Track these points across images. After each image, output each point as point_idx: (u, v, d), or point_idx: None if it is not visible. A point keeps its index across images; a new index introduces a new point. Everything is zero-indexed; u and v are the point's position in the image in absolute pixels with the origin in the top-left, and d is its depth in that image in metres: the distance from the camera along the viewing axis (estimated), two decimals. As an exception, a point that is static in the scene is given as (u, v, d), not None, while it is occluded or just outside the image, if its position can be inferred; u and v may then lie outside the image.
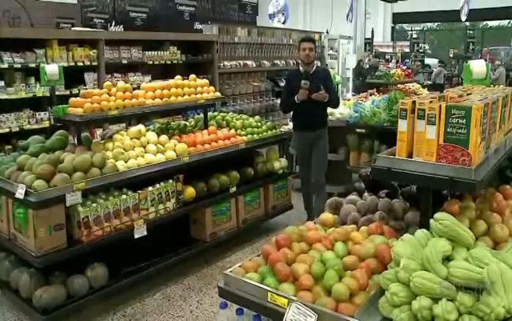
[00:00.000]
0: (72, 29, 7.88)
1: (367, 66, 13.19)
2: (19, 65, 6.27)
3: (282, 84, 11.21)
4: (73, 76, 6.55)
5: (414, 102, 2.42)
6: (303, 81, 5.10)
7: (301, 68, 5.44)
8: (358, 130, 6.36)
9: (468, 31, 20.31)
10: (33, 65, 6.32)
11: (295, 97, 5.20)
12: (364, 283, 2.12)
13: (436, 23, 25.40)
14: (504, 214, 2.60)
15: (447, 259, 1.97)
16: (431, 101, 2.41)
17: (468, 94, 2.97)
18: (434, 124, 2.27)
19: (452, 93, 2.97)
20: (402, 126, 2.42)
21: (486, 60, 8.53)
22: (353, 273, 2.16)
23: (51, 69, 4.80)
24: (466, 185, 2.17)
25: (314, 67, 5.44)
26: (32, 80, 6.44)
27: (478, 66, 4.13)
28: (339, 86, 14.17)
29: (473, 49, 18.92)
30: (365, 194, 2.99)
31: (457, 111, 2.21)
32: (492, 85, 3.97)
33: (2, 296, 4.02)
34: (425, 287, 1.83)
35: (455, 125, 2.21)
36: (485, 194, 2.85)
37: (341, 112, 6.72)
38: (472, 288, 1.84)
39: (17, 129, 6.25)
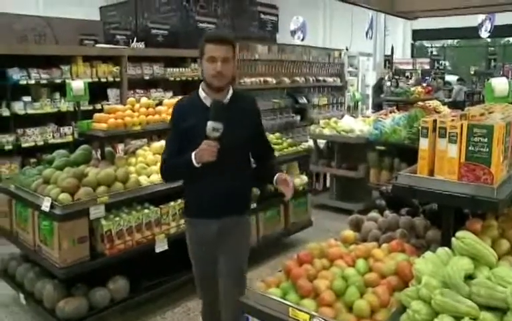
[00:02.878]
0: (96, 45, 8.04)
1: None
2: (45, 81, 6.44)
3: (302, 101, 11.33)
4: (97, 91, 6.69)
5: (435, 121, 2.43)
6: (210, 124, 2.55)
7: (202, 95, 2.78)
8: (378, 147, 6.36)
9: (489, 48, 20.18)
10: (59, 81, 6.49)
11: (192, 156, 2.61)
12: (385, 300, 2.13)
13: (456, 40, 25.28)
14: (525, 232, 2.59)
15: (469, 278, 1.98)
16: (452, 120, 2.42)
17: (490, 113, 2.97)
18: (456, 143, 2.28)
19: (474, 112, 2.98)
20: (424, 144, 2.43)
21: (508, 77, 8.46)
22: (375, 289, 2.17)
23: (77, 85, 4.91)
24: (488, 204, 2.17)
25: (229, 94, 2.80)
26: (57, 95, 6.61)
27: (500, 84, 4.13)
28: (359, 103, 14.20)
29: (495, 66, 18.77)
30: (386, 211, 3.00)
31: (479, 130, 2.22)
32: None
33: (26, 306, 4.10)
34: (447, 305, 1.83)
35: (477, 144, 2.22)
36: (508, 213, 2.83)
37: (361, 129, 6.73)
38: (495, 307, 1.84)
39: (42, 143, 6.41)
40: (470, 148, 2.24)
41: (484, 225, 2.64)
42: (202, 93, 2.77)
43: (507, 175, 2.39)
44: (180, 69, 8.26)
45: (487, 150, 2.20)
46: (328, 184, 7.71)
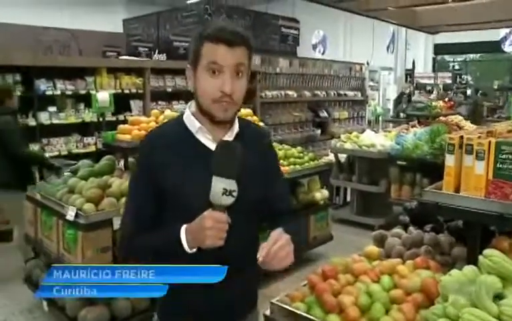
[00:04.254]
0: (120, 57, 8.17)
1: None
2: (70, 92, 6.56)
3: (323, 114, 11.33)
4: (120, 103, 6.79)
5: (461, 137, 2.42)
6: (219, 184, 1.51)
7: (194, 128, 1.69)
8: (399, 163, 6.31)
9: (513, 62, 19.98)
10: (83, 91, 6.61)
11: (182, 236, 1.56)
12: (411, 317, 2.11)
13: (478, 54, 25.05)
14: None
15: (497, 297, 1.95)
16: (479, 137, 2.41)
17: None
18: (483, 160, 2.27)
19: (501, 129, 2.96)
20: (450, 160, 2.42)
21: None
22: (401, 307, 2.15)
23: (103, 96, 5.00)
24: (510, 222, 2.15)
25: (235, 128, 1.73)
26: (81, 106, 6.72)
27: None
28: (380, 118, 14.13)
29: (519, 81, 18.56)
30: (410, 228, 2.98)
31: (507, 147, 2.21)
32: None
33: (49, 313, 4.14)
34: (474, 324, 1.81)
35: (505, 161, 2.21)
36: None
37: (382, 143, 6.70)
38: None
39: (66, 152, 6.52)
40: (498, 165, 2.23)
41: (511, 243, 2.61)
42: (193, 125, 1.67)
43: (535, 193, 2.36)
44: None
45: (516, 167, 2.18)
46: (349, 198, 7.66)
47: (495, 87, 17.72)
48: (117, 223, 3.76)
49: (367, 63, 14.68)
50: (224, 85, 1.58)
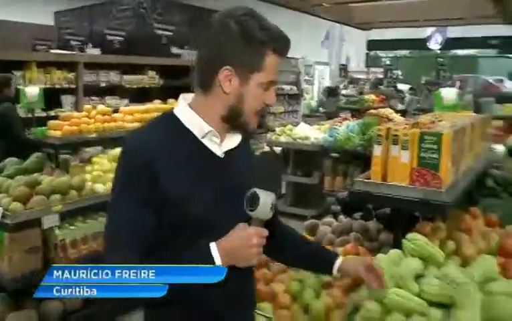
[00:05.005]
0: (51, 51, 7.87)
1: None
2: (-4, 87, 6.25)
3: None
4: (50, 98, 6.55)
5: (389, 129, 2.53)
6: (265, 197, 1.38)
7: (201, 131, 1.48)
8: (333, 155, 6.48)
9: (438, 59, 20.88)
10: (10, 87, 6.31)
11: (216, 255, 1.38)
12: (340, 300, 2.19)
13: (408, 51, 26.03)
14: (472, 233, 2.71)
15: (420, 277, 2.06)
16: (404, 128, 2.53)
17: (439, 121, 3.10)
18: (408, 149, 2.37)
19: (425, 120, 3.11)
20: (377, 151, 2.52)
21: (457, 87, 8.81)
22: (330, 291, 2.23)
23: (32, 91, 4.82)
24: (437, 207, 2.27)
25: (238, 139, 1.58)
26: (9, 102, 6.42)
27: (448, 94, 4.30)
28: (315, 111, 14.41)
29: (444, 76, 19.44)
30: (341, 216, 3.08)
31: (429, 137, 2.33)
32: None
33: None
34: (399, 304, 1.90)
35: (427, 150, 2.32)
36: (455, 216, 2.96)
37: (316, 136, 6.85)
38: (443, 304, 1.92)
39: (-7, 150, 6.20)
40: (421, 154, 2.34)
41: (433, 227, 2.75)
42: (199, 128, 1.48)
43: (455, 180, 2.50)
44: (137, 76, 8.19)
45: (437, 156, 2.30)
46: (284, 190, 7.79)
47: (423, 82, 18.49)
48: (47, 222, 3.64)
49: (303, 58, 14.93)
50: (272, 98, 1.50)
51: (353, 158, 6.12)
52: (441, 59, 21.32)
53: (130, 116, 4.94)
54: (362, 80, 17.90)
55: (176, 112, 1.51)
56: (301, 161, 7.10)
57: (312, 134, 7.05)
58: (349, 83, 15.80)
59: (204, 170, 1.46)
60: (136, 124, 4.88)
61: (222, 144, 1.50)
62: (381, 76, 20.52)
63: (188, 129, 1.47)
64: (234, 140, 1.54)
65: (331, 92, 13.18)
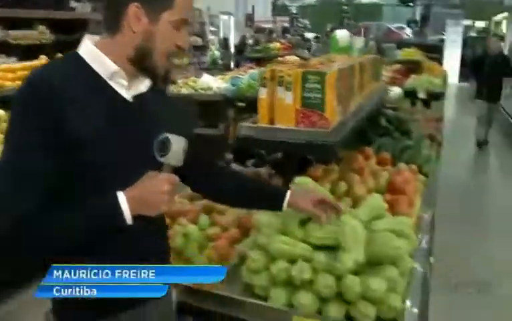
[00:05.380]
0: None
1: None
2: None
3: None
4: None
5: (273, 70, 2.42)
6: (176, 141, 1.38)
7: (106, 72, 1.38)
8: (239, 104, 6.37)
9: (343, 7, 21.28)
10: None
11: (123, 204, 1.33)
12: (225, 252, 2.09)
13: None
14: (363, 174, 2.71)
15: (306, 222, 2.00)
16: (290, 69, 2.43)
17: (331, 62, 3.05)
18: (291, 90, 2.28)
19: (316, 61, 3.04)
20: (263, 93, 2.41)
21: (362, 35, 9.00)
22: (215, 244, 2.13)
23: None
24: (323, 148, 2.21)
25: (147, 84, 1.51)
26: None
27: (342, 36, 4.28)
28: (220, 62, 14.17)
29: (348, 24, 19.86)
30: (232, 164, 2.97)
31: (313, 77, 2.24)
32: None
33: None
34: (282, 251, 1.83)
35: (311, 90, 2.24)
36: (347, 157, 2.95)
37: (218, 86, 6.70)
38: (330, 247, 1.88)
39: None
40: (305, 94, 2.26)
41: (325, 170, 2.72)
42: (105, 68, 1.38)
43: (342, 119, 2.46)
44: (26, 31, 7.52)
45: (321, 96, 2.23)
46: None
47: (328, 29, 18.78)
48: None
49: (208, 9, 14.56)
50: (184, 41, 1.44)
51: (254, 106, 6.01)
52: (345, 7, 21.76)
53: (12, 74, 4.52)
54: (268, 29, 17.83)
55: (81, 51, 1.41)
56: (205, 113, 6.94)
57: (215, 84, 6.89)
58: (255, 33, 15.67)
59: (112, 114, 1.37)
60: (19, 83, 4.46)
61: (131, 88, 1.43)
62: (287, 25, 20.61)
63: (94, 69, 1.38)
64: (144, 84, 1.48)
65: (227, 44, 13.00)
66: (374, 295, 1.67)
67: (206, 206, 2.45)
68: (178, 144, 1.36)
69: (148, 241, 1.46)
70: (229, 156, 3.11)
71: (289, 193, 1.79)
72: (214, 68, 10.89)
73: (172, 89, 7.18)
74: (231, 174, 1.87)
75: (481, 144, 9.09)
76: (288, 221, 1.91)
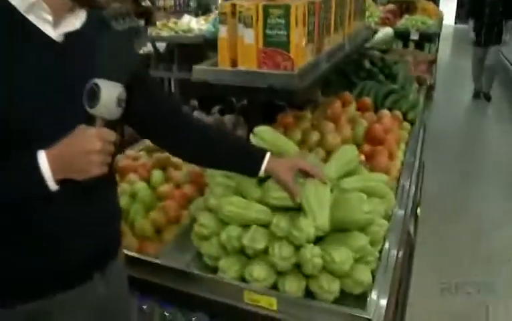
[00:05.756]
0: None
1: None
2: None
3: (145, 3, 10.46)
4: None
5: (234, 4, 2.09)
6: (109, 88, 1.12)
7: (23, 5, 1.10)
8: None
9: None
10: None
11: (43, 166, 1.08)
12: (174, 214, 1.82)
13: None
14: (339, 122, 2.43)
15: (266, 180, 1.73)
16: (253, 3, 2.10)
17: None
18: (252, 27, 1.96)
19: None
20: (223, 32, 2.09)
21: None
22: (164, 205, 1.86)
23: None
24: (288, 92, 1.91)
25: (83, 15, 1.22)
26: None
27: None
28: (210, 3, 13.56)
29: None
30: (195, 112, 2.67)
31: (275, 10, 1.92)
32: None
33: None
34: (235, 215, 1.56)
35: (274, 26, 1.92)
36: (324, 103, 2.67)
37: (200, 27, 6.30)
38: (293, 208, 1.62)
39: None
40: (267, 31, 1.94)
41: (297, 116, 2.43)
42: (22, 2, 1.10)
43: (314, 60, 2.15)
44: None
45: (285, 32, 1.91)
46: (173, 89, 7.28)
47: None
48: None
49: None
50: None
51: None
52: None
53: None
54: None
55: None
56: (187, 56, 6.56)
57: (197, 26, 6.48)
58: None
59: (33, 57, 1.11)
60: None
61: (59, 25, 1.16)
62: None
63: (18, 10, 1.09)
64: (79, 20, 1.21)
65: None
66: (338, 267, 1.41)
67: (161, 160, 2.17)
68: (110, 92, 1.11)
69: (84, 210, 1.23)
70: (194, 102, 2.80)
71: (268, 157, 1.53)
72: (199, 10, 10.39)
73: (150, 32, 6.79)
74: (199, 126, 1.54)
75: (478, 95, 8.51)
76: (244, 179, 1.64)
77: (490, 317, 3.07)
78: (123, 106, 1.15)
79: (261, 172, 1.53)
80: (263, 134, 1.81)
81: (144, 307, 1.72)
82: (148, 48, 7.05)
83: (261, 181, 1.66)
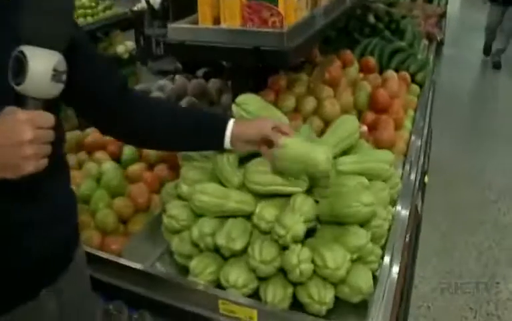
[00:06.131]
0: None
1: None
2: None
3: None
4: None
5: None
6: (42, 57, 0.84)
7: None
8: None
9: None
10: None
11: None
12: (143, 201, 1.56)
13: None
14: (338, 86, 2.14)
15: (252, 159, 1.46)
16: None
17: None
18: (235, -25, 1.66)
19: None
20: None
21: None
22: (131, 190, 1.58)
23: None
24: (275, 55, 1.61)
25: None
26: None
27: None
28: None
29: None
30: (177, 76, 2.37)
31: (262, -45, 1.61)
32: None
33: None
34: (209, 205, 1.29)
35: (260, -26, 1.62)
36: (321, 63, 2.37)
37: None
38: (282, 194, 1.35)
39: None
40: (252, -20, 1.64)
41: (292, 80, 2.14)
42: None
43: (308, 16, 1.84)
44: None
45: (273, -18, 1.61)
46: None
47: None
48: None
49: None
50: None
51: None
52: None
53: None
54: None
55: None
56: (182, 10, 6.19)
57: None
58: None
59: None
60: None
61: None
62: None
63: None
64: None
65: None
66: (332, 273, 1.15)
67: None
68: (42, 63, 0.83)
69: (27, 211, 1.00)
70: (178, 65, 2.50)
71: (231, 124, 1.29)
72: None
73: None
74: (152, 105, 1.28)
75: (488, 51, 7.98)
76: (221, 159, 1.37)
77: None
78: (64, 80, 0.87)
79: (227, 144, 1.29)
80: (247, 104, 1.52)
81: (110, 307, 1.48)
82: (141, 4, 6.70)
83: (244, 161, 1.40)
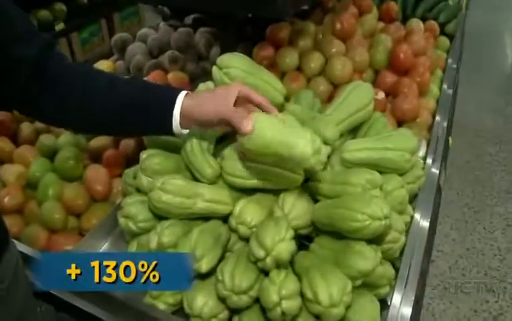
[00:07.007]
0: None
1: None
2: None
3: None
4: None
5: None
6: None
7: None
8: None
9: None
10: None
11: None
12: (103, 190, 1.25)
13: None
14: (352, 39, 1.77)
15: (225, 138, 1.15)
16: None
17: None
18: None
19: None
20: None
21: None
22: (86, 175, 1.28)
23: None
24: (269, 6, 1.26)
25: None
26: None
27: None
28: None
29: None
30: (161, 24, 2.02)
31: None
32: None
33: None
34: (170, 207, 0.99)
35: None
36: (333, 9, 2.00)
37: None
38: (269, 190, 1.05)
39: None
40: None
41: (296, 31, 1.79)
42: None
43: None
44: None
45: None
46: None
47: None
48: None
49: None
50: None
51: None
52: None
53: None
54: None
55: None
56: None
57: None
58: None
59: None
60: None
61: None
62: None
63: None
64: None
65: None
66: (325, 311, 0.85)
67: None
68: None
69: None
70: (165, 9, 2.15)
71: (181, 98, 0.96)
72: None
73: None
74: (85, 78, 0.94)
75: None
76: (191, 143, 1.07)
77: None
78: None
79: (176, 127, 0.98)
80: (230, 67, 1.19)
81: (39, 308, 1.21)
82: None
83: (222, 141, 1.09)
